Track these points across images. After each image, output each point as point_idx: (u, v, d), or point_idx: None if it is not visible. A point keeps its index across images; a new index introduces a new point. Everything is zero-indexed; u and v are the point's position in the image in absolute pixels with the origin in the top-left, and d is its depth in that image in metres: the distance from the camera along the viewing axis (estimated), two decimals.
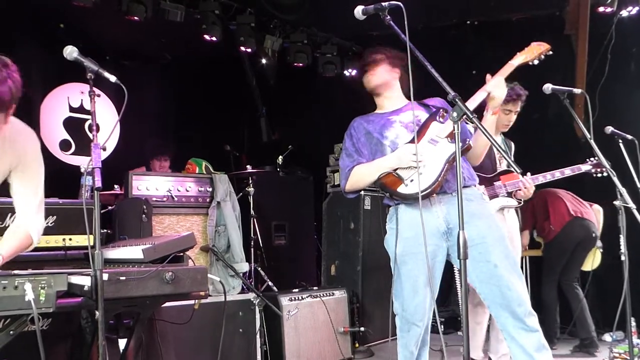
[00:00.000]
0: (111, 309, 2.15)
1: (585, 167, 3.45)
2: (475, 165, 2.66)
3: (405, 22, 2.07)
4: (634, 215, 2.71)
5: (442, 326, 4.77)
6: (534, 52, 2.53)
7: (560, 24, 5.36)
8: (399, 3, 2.14)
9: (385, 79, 2.66)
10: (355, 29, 5.69)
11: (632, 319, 3.14)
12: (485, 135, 1.99)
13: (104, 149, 1.93)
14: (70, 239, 2.74)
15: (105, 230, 3.06)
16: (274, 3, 5.64)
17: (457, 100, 1.95)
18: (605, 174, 2.83)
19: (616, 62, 5.12)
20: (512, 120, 3.48)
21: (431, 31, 5.75)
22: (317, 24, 6.05)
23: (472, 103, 2.40)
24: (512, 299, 2.32)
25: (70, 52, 2.00)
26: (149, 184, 3.65)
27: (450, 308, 5.55)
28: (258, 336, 3.65)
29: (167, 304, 2.62)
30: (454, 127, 1.94)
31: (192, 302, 2.59)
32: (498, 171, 3.43)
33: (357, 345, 4.39)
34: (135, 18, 4.77)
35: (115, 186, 4.28)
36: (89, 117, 5.77)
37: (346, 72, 6.31)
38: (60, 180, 5.08)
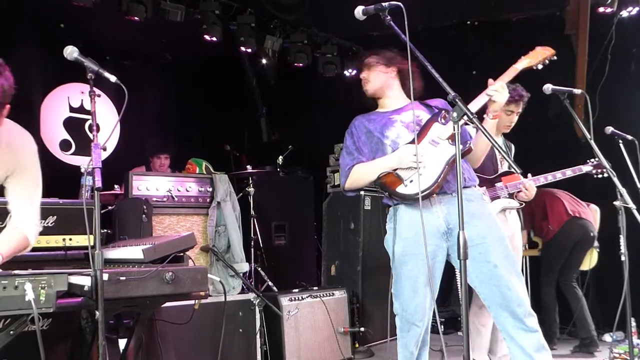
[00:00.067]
0: (111, 309, 2.15)
1: (586, 168, 3.45)
2: (476, 167, 2.66)
3: (406, 23, 2.07)
4: (634, 215, 2.71)
5: (442, 326, 4.78)
6: (538, 57, 2.53)
7: (561, 24, 5.36)
8: (399, 3, 2.14)
9: (381, 83, 2.66)
10: (355, 29, 5.70)
11: (632, 319, 3.14)
12: (486, 136, 1.99)
13: (104, 149, 1.93)
14: (70, 239, 2.74)
15: (105, 230, 3.06)
16: (274, 3, 5.64)
17: (457, 100, 1.95)
18: (605, 175, 2.83)
19: (616, 63, 5.12)
20: (514, 121, 3.48)
21: (431, 31, 5.75)
22: (317, 24, 6.05)
23: (474, 106, 2.40)
24: (511, 299, 2.32)
25: (71, 52, 2.00)
26: (149, 184, 3.65)
27: (451, 308, 5.55)
28: (258, 336, 3.65)
29: (167, 304, 2.62)
30: (454, 127, 1.94)
31: (192, 302, 2.59)
32: (499, 172, 3.42)
33: (357, 345, 4.39)
34: (136, 18, 4.77)
35: (116, 186, 4.28)
36: (89, 117, 5.78)
37: (346, 72, 6.31)
38: (60, 180, 5.11)
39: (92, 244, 1.92)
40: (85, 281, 1.86)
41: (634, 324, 3.59)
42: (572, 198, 4.60)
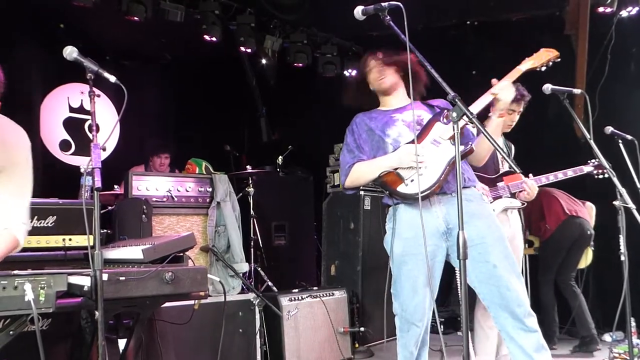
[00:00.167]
0: (111, 309, 2.15)
1: (587, 169, 3.45)
2: (479, 166, 2.66)
3: (405, 23, 2.06)
4: (634, 215, 2.71)
5: (442, 326, 4.80)
6: (542, 58, 2.52)
7: (560, 24, 5.35)
8: (399, 3, 2.14)
9: (394, 81, 2.65)
10: (355, 29, 5.70)
11: (632, 319, 3.14)
12: (486, 136, 1.99)
13: (104, 149, 1.93)
14: (70, 239, 2.74)
15: (105, 231, 3.06)
16: (274, 3, 5.64)
17: (457, 100, 1.95)
18: (606, 176, 2.83)
19: (616, 62, 5.12)
20: (515, 120, 3.48)
21: (431, 31, 5.75)
22: (317, 24, 6.06)
23: (479, 105, 2.40)
24: (511, 300, 2.32)
25: (70, 52, 2.00)
26: (149, 184, 3.65)
27: (450, 308, 5.55)
28: (258, 336, 3.65)
29: (167, 304, 2.62)
30: (453, 127, 1.94)
31: (192, 302, 2.59)
32: (501, 172, 3.43)
33: (357, 345, 4.39)
34: (135, 18, 4.77)
35: (115, 186, 4.28)
36: (88, 117, 5.78)
37: (346, 72, 6.31)
38: (60, 180, 5.13)
39: (91, 244, 1.91)
40: (84, 281, 1.86)
41: (633, 323, 3.59)
42: (569, 197, 4.61)
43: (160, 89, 6.41)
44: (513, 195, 3.37)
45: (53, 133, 5.82)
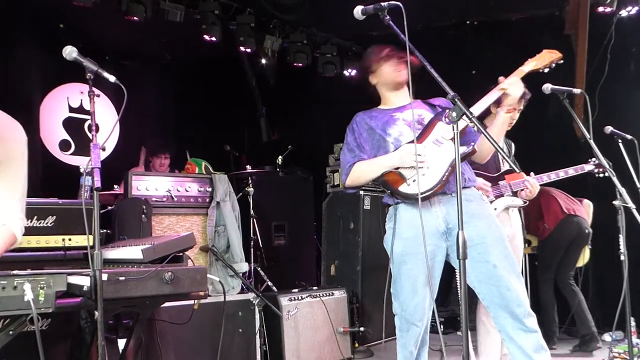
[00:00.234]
0: (110, 309, 2.15)
1: (588, 167, 3.45)
2: (480, 164, 2.65)
3: (405, 22, 2.06)
4: (634, 215, 2.71)
5: (442, 326, 4.79)
6: (545, 60, 2.51)
7: (560, 24, 5.36)
8: (398, 3, 2.13)
9: (406, 78, 2.61)
10: (355, 29, 5.69)
11: (632, 318, 3.14)
12: (486, 136, 1.98)
13: (103, 149, 1.93)
14: (69, 239, 2.74)
15: (104, 231, 3.06)
16: (273, 3, 5.64)
17: (456, 100, 1.95)
18: (607, 174, 2.83)
19: (616, 62, 5.12)
20: (515, 118, 3.48)
21: (430, 31, 5.75)
22: (317, 24, 6.05)
23: (486, 101, 2.39)
24: (511, 300, 2.32)
25: (70, 52, 1.99)
26: (149, 184, 3.65)
27: (450, 308, 5.55)
28: (258, 336, 3.65)
29: (167, 304, 2.62)
30: (453, 127, 1.94)
31: (191, 302, 2.59)
32: (502, 170, 3.42)
33: (356, 345, 4.39)
34: (135, 18, 4.77)
35: (115, 186, 4.28)
36: (88, 117, 5.78)
37: (346, 72, 6.31)
38: (59, 180, 5.13)
39: (91, 244, 1.91)
40: (84, 281, 1.86)
41: (633, 323, 3.59)
42: (567, 196, 4.62)
43: (160, 89, 6.41)
44: (515, 194, 3.37)
45: (53, 133, 5.82)
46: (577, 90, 2.95)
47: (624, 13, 5.05)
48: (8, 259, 2.26)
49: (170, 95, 6.64)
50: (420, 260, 2.37)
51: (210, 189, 3.87)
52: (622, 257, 2.87)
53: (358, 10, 2.25)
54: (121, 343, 2.62)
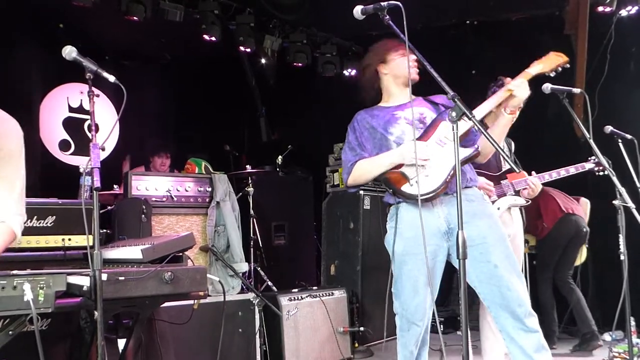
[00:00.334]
0: (110, 309, 2.15)
1: (588, 166, 3.46)
2: (481, 163, 2.64)
3: (405, 22, 2.06)
4: (634, 214, 2.71)
5: (442, 326, 4.79)
6: (552, 63, 2.48)
7: (560, 24, 5.36)
8: (398, 3, 2.13)
9: (417, 77, 2.59)
10: (354, 29, 5.70)
11: (632, 318, 3.14)
12: (486, 136, 1.98)
13: (103, 149, 1.93)
14: (69, 239, 2.74)
15: (104, 231, 3.06)
16: (273, 3, 5.64)
17: (456, 100, 1.95)
18: (607, 173, 2.83)
19: (615, 62, 5.12)
20: (515, 116, 3.48)
21: (430, 31, 5.75)
22: (317, 23, 6.06)
23: (492, 102, 2.39)
24: (511, 300, 2.32)
25: (69, 52, 1.99)
26: (149, 184, 3.65)
27: (450, 308, 5.55)
28: (257, 336, 3.65)
29: (167, 304, 2.62)
30: (453, 127, 1.93)
31: (191, 302, 2.59)
32: (504, 170, 3.42)
33: (356, 345, 4.39)
34: (135, 18, 4.77)
35: (115, 186, 4.28)
36: (88, 117, 5.78)
37: (346, 72, 6.31)
38: (59, 180, 5.12)
39: (91, 244, 1.91)
40: (84, 281, 1.86)
41: (633, 323, 3.59)
42: (565, 195, 4.63)
43: (160, 89, 6.41)
44: (517, 193, 3.37)
45: (52, 133, 5.82)
46: (577, 90, 2.95)
47: (623, 13, 5.05)
48: (8, 259, 2.27)
49: (170, 95, 6.64)
50: (421, 260, 2.36)
51: (210, 189, 3.87)
52: (622, 257, 2.87)
53: (358, 10, 2.24)
54: (121, 343, 2.62)
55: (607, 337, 4.61)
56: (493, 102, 2.41)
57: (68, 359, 2.48)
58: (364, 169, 2.56)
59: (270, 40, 5.83)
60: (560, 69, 2.54)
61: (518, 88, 2.39)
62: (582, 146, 4.02)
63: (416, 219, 2.36)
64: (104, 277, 1.83)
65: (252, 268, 4.39)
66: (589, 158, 3.44)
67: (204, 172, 4.27)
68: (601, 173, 3.35)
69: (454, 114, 1.93)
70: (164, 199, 3.68)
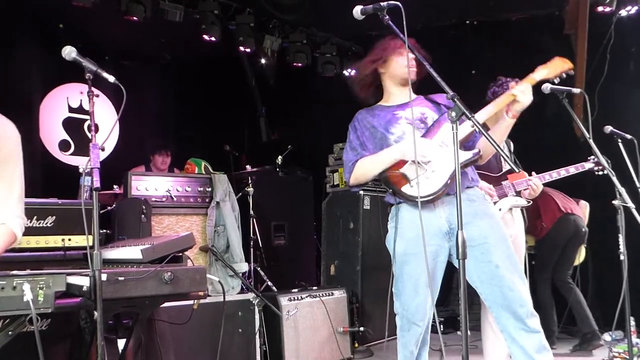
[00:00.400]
0: (110, 309, 2.15)
1: (588, 165, 3.45)
2: (481, 164, 2.64)
3: (404, 22, 2.06)
4: (633, 214, 2.71)
5: (442, 326, 4.79)
6: (556, 69, 2.46)
7: (560, 24, 5.36)
8: (398, 3, 2.13)
9: (415, 77, 2.57)
10: (354, 29, 5.70)
11: (632, 318, 3.14)
12: (486, 137, 1.98)
13: (103, 149, 1.93)
14: (69, 239, 2.74)
15: (104, 231, 3.06)
16: (273, 3, 5.64)
17: (455, 100, 1.95)
18: (606, 172, 2.83)
19: (615, 62, 5.12)
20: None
21: (430, 31, 5.74)
22: (317, 24, 6.06)
23: (496, 104, 2.38)
24: (513, 300, 2.31)
25: (69, 52, 1.99)
26: (149, 184, 3.65)
27: (450, 308, 5.56)
28: (257, 336, 3.65)
29: (166, 304, 2.62)
30: (452, 126, 1.93)
31: (191, 302, 2.59)
32: (504, 170, 3.42)
33: (356, 345, 4.39)
34: (134, 18, 4.77)
35: (115, 187, 4.28)
36: (88, 117, 5.77)
37: (345, 72, 6.31)
38: (59, 180, 5.13)
39: (90, 244, 1.91)
40: (83, 281, 1.86)
41: (633, 323, 3.59)
42: (564, 195, 4.63)
43: (160, 89, 6.42)
44: (518, 194, 3.37)
45: (52, 133, 5.82)
46: (576, 90, 2.95)
47: (623, 13, 5.05)
48: (7, 259, 2.27)
49: (170, 95, 6.65)
50: (423, 260, 2.36)
51: (209, 189, 3.87)
52: (621, 257, 2.87)
53: (357, 10, 2.23)
54: (121, 343, 2.62)
55: (606, 337, 4.60)
56: (496, 106, 2.40)
57: (68, 359, 2.48)
58: (365, 167, 2.55)
59: (270, 40, 5.83)
60: (564, 75, 2.53)
61: (522, 94, 2.36)
62: (581, 146, 4.02)
63: (417, 219, 2.34)
64: (104, 277, 1.83)
65: (252, 268, 4.39)
66: (589, 158, 3.44)
67: (204, 172, 4.27)
68: (601, 173, 3.35)
69: (453, 114, 1.93)
70: (164, 199, 3.68)
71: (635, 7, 5.00)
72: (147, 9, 4.83)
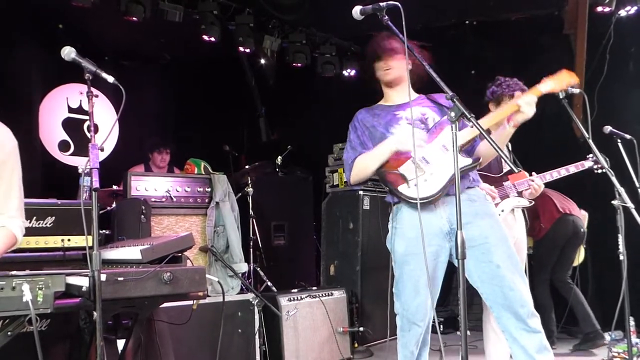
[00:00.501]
0: (109, 310, 2.15)
1: (588, 164, 3.46)
2: (483, 164, 2.64)
3: (403, 22, 2.06)
4: (633, 214, 2.71)
5: (442, 326, 4.79)
6: (562, 83, 2.43)
7: (559, 24, 5.36)
8: (397, 3, 2.12)
9: (400, 74, 2.57)
10: (354, 29, 5.68)
11: (631, 318, 3.14)
12: (484, 136, 1.98)
13: (102, 150, 1.93)
14: (69, 240, 2.74)
15: (104, 231, 3.06)
16: (273, 3, 5.64)
17: (455, 100, 1.95)
18: (605, 170, 2.84)
19: (615, 62, 5.12)
20: None
21: (430, 31, 5.74)
22: (316, 24, 6.05)
23: (500, 112, 2.39)
24: (514, 300, 2.31)
25: (68, 52, 2.00)
26: (148, 185, 3.65)
27: (450, 308, 5.56)
28: (257, 336, 3.65)
29: (166, 304, 2.62)
30: (452, 126, 1.93)
31: (190, 302, 2.59)
32: (505, 171, 3.42)
33: (356, 345, 4.39)
34: (134, 18, 4.77)
35: (114, 187, 4.28)
36: (88, 117, 5.76)
37: (345, 72, 6.31)
38: (59, 181, 5.13)
39: (90, 244, 1.91)
40: (83, 282, 1.86)
41: (632, 323, 3.59)
42: (563, 196, 4.63)
43: (160, 89, 6.41)
44: (519, 194, 3.37)
45: (52, 133, 5.82)
46: (576, 90, 2.94)
47: (622, 13, 5.05)
48: (7, 259, 2.27)
49: (169, 96, 6.64)
50: (423, 260, 2.36)
51: (209, 189, 3.87)
52: (621, 257, 2.87)
53: (356, 11, 2.23)
54: (120, 343, 2.62)
55: (606, 337, 4.61)
56: (499, 114, 2.40)
57: (67, 359, 2.48)
58: (364, 163, 2.55)
59: (270, 40, 5.83)
60: (570, 90, 2.52)
61: (527, 105, 2.32)
62: (581, 146, 4.03)
63: (418, 220, 2.36)
64: (103, 277, 1.83)
65: (251, 268, 4.38)
66: (588, 156, 3.44)
67: (204, 173, 4.26)
68: (600, 171, 3.35)
69: (452, 114, 1.93)
70: (164, 200, 3.68)
71: (635, 7, 5.00)
72: (147, 9, 4.83)
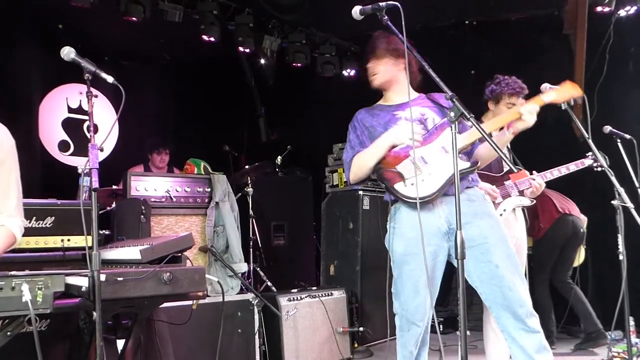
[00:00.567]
0: (109, 310, 2.15)
1: (587, 162, 3.44)
2: (481, 167, 2.64)
3: (403, 23, 2.06)
4: (632, 214, 2.71)
5: (441, 326, 4.79)
6: (565, 95, 2.43)
7: (559, 24, 5.36)
8: (396, 3, 2.13)
9: (389, 77, 2.59)
10: (353, 29, 5.67)
11: (631, 318, 3.14)
12: (484, 136, 1.98)
13: (101, 150, 1.93)
14: (68, 240, 2.74)
15: (104, 231, 3.06)
16: (272, 3, 5.64)
17: (454, 100, 1.95)
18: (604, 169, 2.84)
19: (614, 62, 5.12)
20: None
21: (429, 31, 5.75)
22: (316, 24, 6.06)
23: (502, 119, 2.41)
24: (513, 300, 2.32)
25: (68, 52, 2.00)
26: (148, 185, 3.65)
27: (449, 308, 5.55)
28: (257, 336, 3.65)
29: (166, 304, 2.62)
30: (451, 126, 1.94)
31: (190, 302, 2.59)
32: (505, 170, 3.42)
33: (356, 345, 4.39)
34: (134, 18, 4.77)
35: (114, 187, 4.28)
36: (87, 117, 5.76)
37: (345, 72, 6.31)
38: (59, 181, 5.13)
39: (89, 244, 1.91)
40: (82, 282, 1.86)
41: (632, 322, 3.59)
42: (561, 196, 4.62)
43: (159, 89, 6.41)
44: (521, 193, 3.36)
45: (52, 134, 5.82)
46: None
47: (622, 13, 5.06)
48: (6, 259, 2.27)
49: (169, 96, 6.64)
50: (422, 260, 2.36)
51: (209, 189, 3.87)
52: (620, 257, 2.87)
53: (356, 11, 2.24)
54: (120, 343, 2.62)
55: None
56: (500, 121, 2.40)
57: (67, 359, 2.48)
58: (361, 160, 2.55)
59: (269, 40, 5.83)
60: (572, 101, 2.53)
61: (529, 114, 2.34)
62: (581, 146, 4.03)
63: (416, 219, 2.36)
64: (103, 277, 1.83)
65: (251, 268, 4.38)
66: (587, 154, 3.43)
67: (203, 173, 4.26)
68: (600, 169, 3.35)
69: (452, 114, 1.94)
70: (163, 200, 3.67)
71: (634, 7, 5.00)
72: (146, 10, 4.83)
